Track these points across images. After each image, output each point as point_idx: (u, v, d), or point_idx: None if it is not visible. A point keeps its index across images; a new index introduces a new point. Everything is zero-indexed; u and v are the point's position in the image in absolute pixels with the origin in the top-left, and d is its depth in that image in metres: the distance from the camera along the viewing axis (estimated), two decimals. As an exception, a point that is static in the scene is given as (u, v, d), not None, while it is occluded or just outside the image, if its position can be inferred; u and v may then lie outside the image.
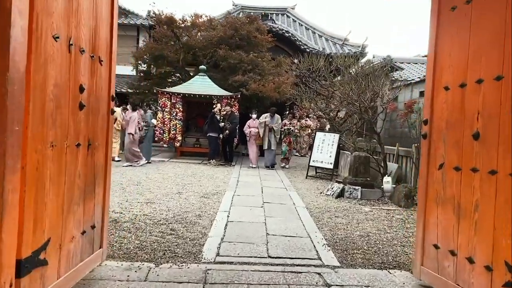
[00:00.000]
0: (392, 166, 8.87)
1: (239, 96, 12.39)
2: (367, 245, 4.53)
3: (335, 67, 11.29)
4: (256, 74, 13.45)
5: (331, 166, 10.03)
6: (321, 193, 8.08)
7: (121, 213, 5.24)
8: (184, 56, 14.30)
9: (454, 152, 3.02)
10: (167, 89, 12.47)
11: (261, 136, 11.16)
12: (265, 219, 5.42)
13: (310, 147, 11.97)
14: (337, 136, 10.18)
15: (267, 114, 11.25)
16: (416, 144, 8.21)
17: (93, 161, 2.87)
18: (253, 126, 11.37)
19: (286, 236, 4.69)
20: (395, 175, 8.65)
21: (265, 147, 11.22)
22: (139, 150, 10.47)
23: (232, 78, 13.38)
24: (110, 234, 4.28)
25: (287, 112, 20.72)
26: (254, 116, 11.52)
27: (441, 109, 3.21)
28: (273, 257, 3.91)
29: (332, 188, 7.92)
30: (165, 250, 3.95)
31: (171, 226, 4.79)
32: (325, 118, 11.78)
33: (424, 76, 10.41)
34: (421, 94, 9.87)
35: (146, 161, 10.80)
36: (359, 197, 7.48)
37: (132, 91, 15.49)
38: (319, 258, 3.96)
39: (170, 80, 15.41)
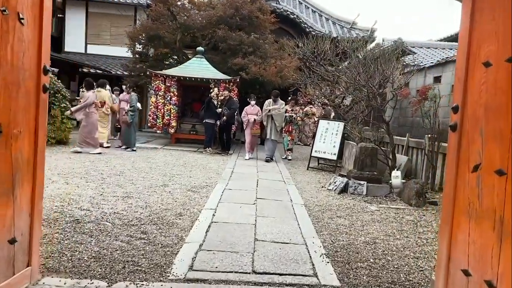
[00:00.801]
0: (402, 158, 8.10)
1: (238, 80, 11.58)
2: (373, 256, 3.79)
3: (342, 50, 10.43)
4: (257, 57, 12.60)
5: (334, 157, 9.26)
6: (322, 187, 7.34)
7: (88, 210, 4.53)
8: (181, 37, 13.46)
9: (496, 148, 2.25)
10: (161, 72, 11.68)
11: (265, 125, 10.18)
12: (255, 220, 4.70)
13: (314, 136, 11.20)
14: (341, 124, 9.39)
15: (270, 100, 10.07)
16: (429, 135, 7.41)
17: (9, 154, 2.14)
18: (251, 113, 10.23)
19: (277, 242, 3.96)
20: (405, 168, 7.88)
21: (266, 136, 10.25)
22: (95, 137, 9.17)
23: (232, 61, 12.55)
24: (65, 239, 3.57)
25: (289, 98, 19.90)
26: (252, 102, 10.37)
27: (479, 91, 2.43)
28: (258, 273, 3.18)
29: (334, 182, 7.17)
30: (127, 261, 3.23)
31: (143, 228, 4.08)
32: (330, 105, 10.97)
33: (440, 60, 9.53)
34: (436, 79, 9.01)
35: (131, 149, 10.06)
36: (364, 193, 6.73)
37: (127, 73, 14.71)
38: (315, 275, 3.23)
39: (167, 62, 14.59)
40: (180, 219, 4.54)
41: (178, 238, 3.89)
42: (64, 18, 18.01)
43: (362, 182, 6.81)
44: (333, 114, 12.67)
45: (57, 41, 18.07)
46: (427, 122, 7.30)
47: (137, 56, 14.43)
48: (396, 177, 6.91)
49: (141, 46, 14.19)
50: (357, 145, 7.17)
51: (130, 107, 9.62)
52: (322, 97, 11.15)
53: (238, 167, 8.74)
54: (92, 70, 16.50)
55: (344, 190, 6.86)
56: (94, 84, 10.10)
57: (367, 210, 5.76)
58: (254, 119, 10.23)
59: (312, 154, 9.60)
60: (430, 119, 7.22)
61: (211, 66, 12.35)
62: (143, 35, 13.48)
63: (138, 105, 9.79)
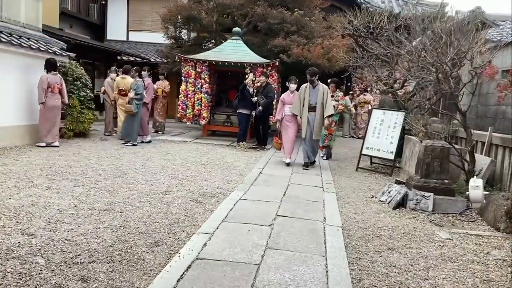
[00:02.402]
0: (482, 160, 6.12)
1: (277, 63, 10.02)
2: None
3: (403, 23, 8.46)
4: (301, 37, 10.94)
5: (391, 156, 7.44)
6: (372, 197, 5.65)
7: (32, 235, 3.32)
8: (218, 18, 12.13)
9: None
10: (191, 56, 10.45)
11: (299, 120, 7.45)
12: (262, 256, 3.22)
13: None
14: (401, 115, 7.53)
15: (306, 85, 7.34)
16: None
17: None
18: (289, 102, 7.69)
19: (284, 306, 2.47)
20: (487, 174, 5.91)
21: (303, 135, 7.42)
22: (46, 129, 7.62)
23: (272, 43, 11.00)
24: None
25: (329, 81, 18.10)
26: (292, 86, 7.80)
27: None
28: None
29: (389, 192, 5.45)
30: None
31: (87, 270, 2.77)
32: (387, 91, 9.05)
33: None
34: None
35: (131, 143, 8.54)
36: (430, 209, 4.96)
37: (161, 60, 13.75)
38: None
39: (205, 47, 13.38)
40: (153, 252, 3.19)
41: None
42: (106, 5, 17.50)
43: (427, 194, 5.03)
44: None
45: (100, 29, 17.66)
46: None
47: (173, 41, 13.37)
48: (476, 188, 5.02)
49: (176, 29, 13.09)
50: (421, 143, 5.36)
51: (136, 94, 8.36)
52: (378, 81, 9.23)
53: (269, 167, 7.26)
54: (131, 58, 15.80)
55: (401, 203, 5.13)
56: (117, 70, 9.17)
57: (434, 238, 4.03)
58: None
59: (363, 152, 7.85)
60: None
61: (249, 49, 10.90)
62: (178, 17, 12.33)
63: (144, 92, 8.57)
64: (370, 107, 14.06)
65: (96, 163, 6.46)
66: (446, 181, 5.23)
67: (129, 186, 5.19)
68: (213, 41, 13.40)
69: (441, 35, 5.86)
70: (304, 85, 7.41)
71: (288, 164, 7.53)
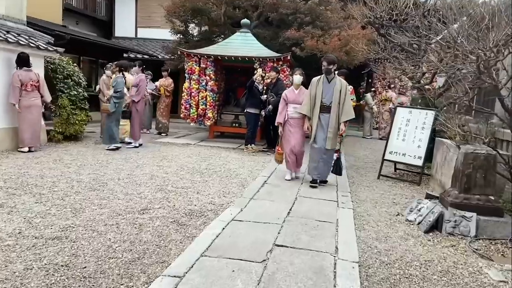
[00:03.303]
0: (535, 169, 4.98)
1: (289, 57, 9.04)
2: None
3: (433, 8, 7.33)
4: (316, 28, 9.92)
5: (419, 163, 6.36)
6: (397, 215, 4.63)
7: None
8: (226, 10, 11.22)
9: None
10: (194, 51, 9.57)
11: (307, 124, 5.73)
12: (244, 316, 2.28)
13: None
14: (431, 114, 6.44)
15: (319, 78, 5.65)
16: None
17: None
18: (294, 101, 5.91)
19: None
20: (542, 186, 4.79)
21: (311, 141, 5.69)
22: (26, 132, 6.79)
23: (284, 35, 10.02)
24: None
25: (336, 73, 16.77)
26: (297, 79, 5.97)
27: None
28: None
29: (418, 209, 4.42)
30: None
31: None
32: (414, 86, 7.93)
33: None
34: None
35: (115, 147, 7.53)
36: (472, 233, 3.91)
37: (168, 56, 12.97)
38: None
39: (214, 42, 12.48)
40: (90, 310, 2.30)
41: None
42: (114, 1, 16.86)
43: (468, 214, 3.98)
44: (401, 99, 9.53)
45: (107, 26, 17.04)
46: None
47: (179, 36, 12.54)
48: (532, 206, 3.95)
49: (183, 24, 12.25)
50: (460, 151, 4.29)
51: (115, 92, 7.37)
52: (403, 76, 8.12)
53: (277, 175, 6.29)
54: (138, 55, 15.09)
55: (435, 226, 4.09)
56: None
57: (482, 280, 3.01)
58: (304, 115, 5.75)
59: (386, 157, 6.79)
60: None
61: (258, 43, 9.95)
62: (183, 10, 11.48)
63: (125, 90, 7.63)
64: (392, 105, 12.89)
65: (75, 172, 5.64)
66: (492, 197, 4.15)
67: (102, 203, 4.33)
68: (222, 35, 12.51)
69: (483, 16, 4.75)
70: (316, 78, 5.69)
71: (288, 180, 5.93)
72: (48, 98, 7.13)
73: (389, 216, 4.60)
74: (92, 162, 6.36)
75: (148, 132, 10.55)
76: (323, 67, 5.59)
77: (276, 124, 6.26)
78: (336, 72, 6.18)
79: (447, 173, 5.59)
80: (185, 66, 9.53)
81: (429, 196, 4.67)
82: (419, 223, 4.23)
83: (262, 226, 3.86)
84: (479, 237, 3.90)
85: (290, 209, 4.51)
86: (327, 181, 5.86)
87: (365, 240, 3.73)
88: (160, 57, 14.94)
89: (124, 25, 16.81)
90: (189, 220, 3.95)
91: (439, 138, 6.29)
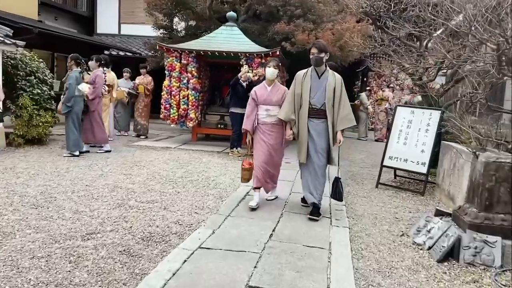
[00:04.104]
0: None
1: (278, 52, 8.25)
2: None
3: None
4: (308, 22, 9.14)
5: (423, 170, 5.60)
6: (402, 235, 3.86)
7: None
8: (211, 3, 10.40)
9: None
10: (174, 45, 8.76)
11: (287, 130, 4.38)
12: None
13: (389, 130, 7.21)
14: (436, 114, 5.68)
15: (304, 72, 4.26)
16: None
17: None
18: (266, 101, 4.44)
19: None
20: None
21: (301, 158, 4.25)
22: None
23: (273, 29, 9.24)
24: None
25: (358, 82, 15.73)
26: (270, 72, 4.44)
27: None
28: None
29: (428, 230, 3.65)
30: None
31: None
32: (415, 83, 7.17)
33: None
34: None
35: (70, 153, 6.58)
36: (497, 263, 3.14)
37: (151, 53, 12.13)
38: None
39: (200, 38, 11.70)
40: None
41: None
42: (96, -4, 16.00)
43: (491, 239, 3.21)
44: (418, 98, 8.81)
45: (89, 22, 16.15)
46: None
47: (162, 31, 11.71)
48: None
49: (165, 18, 11.42)
50: (480, 160, 3.52)
51: (65, 90, 6.46)
52: (402, 72, 7.36)
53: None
54: (121, 53, 14.24)
55: (450, 253, 3.32)
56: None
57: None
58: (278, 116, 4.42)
59: (385, 163, 6.01)
60: None
61: (245, 37, 9.15)
62: (165, 2, 10.64)
63: (82, 87, 6.53)
64: (388, 105, 12.16)
65: (23, 183, 4.81)
66: (518, 216, 3.39)
67: (40, 224, 3.51)
68: (208, 31, 11.67)
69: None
70: (302, 71, 4.28)
71: (253, 209, 4.30)
72: (1, 96, 6.28)
73: (392, 236, 3.83)
74: (49, 171, 5.52)
75: (126, 134, 9.71)
76: (311, 56, 4.13)
77: (242, 131, 4.93)
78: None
79: (456, 183, 4.84)
80: (165, 63, 8.71)
81: (439, 213, 3.90)
82: (429, 247, 3.46)
83: (236, 256, 3.07)
84: (505, 267, 3.13)
85: (273, 230, 3.72)
86: (320, 205, 4.22)
87: (365, 274, 2.96)
88: (143, 54, 14.09)
89: (107, 21, 15.92)
90: (144, 248, 3.15)
91: (446, 142, 5.54)
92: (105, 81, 7.46)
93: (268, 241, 3.43)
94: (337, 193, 4.33)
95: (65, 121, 6.60)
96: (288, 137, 4.39)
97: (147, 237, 3.38)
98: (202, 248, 3.17)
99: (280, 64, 5.09)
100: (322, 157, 4.21)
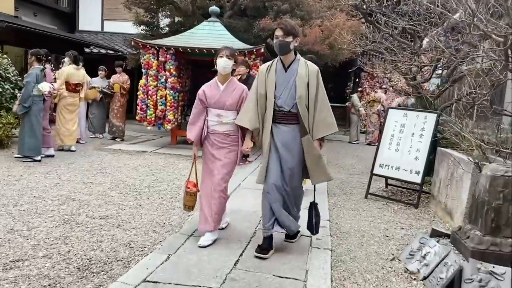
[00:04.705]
0: None
1: (262, 50, 7.70)
2: None
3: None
4: (295, 18, 8.60)
5: (417, 179, 5.04)
6: (393, 259, 3.30)
7: None
8: (195, -1, 9.85)
9: None
10: (151, 42, 8.16)
11: (248, 143, 3.36)
12: None
13: (380, 133, 6.61)
14: (431, 117, 5.14)
15: (271, 63, 3.24)
16: None
17: None
18: (217, 103, 3.36)
19: None
20: None
21: (263, 176, 3.23)
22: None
23: (258, 25, 8.69)
24: None
25: (350, 83, 15.24)
26: (222, 64, 3.34)
27: None
28: None
29: (422, 255, 3.09)
30: None
31: None
32: (409, 83, 6.64)
33: None
34: None
35: (23, 158, 5.95)
36: (507, 300, 2.59)
37: (131, 51, 11.54)
38: None
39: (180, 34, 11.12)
40: None
41: None
42: (78, -9, 15.35)
43: (499, 270, 2.65)
44: (412, 100, 8.28)
45: (71, 18, 15.48)
46: None
47: (143, 27, 11.12)
48: None
49: (146, 13, 10.83)
50: (484, 173, 2.96)
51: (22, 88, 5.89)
52: (394, 71, 6.82)
53: (241, 193, 4.91)
54: (102, 50, 13.61)
55: (450, 287, 2.76)
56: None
57: None
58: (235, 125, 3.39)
59: (376, 171, 5.46)
60: None
61: (229, 33, 8.60)
62: (146, -3, 10.07)
63: (42, 86, 5.86)
64: (381, 107, 11.63)
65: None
66: (530, 240, 2.85)
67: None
68: (192, 28, 11.12)
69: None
70: (266, 64, 3.32)
71: (205, 247, 3.25)
72: None
73: (381, 261, 3.27)
74: (-1, 179, 4.91)
75: (101, 137, 9.08)
76: (275, 41, 3.14)
77: (188, 141, 3.53)
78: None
79: (454, 195, 4.30)
80: (141, 60, 8.12)
81: (436, 234, 3.35)
82: (425, 278, 2.91)
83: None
84: (516, 305, 2.58)
85: (240, 255, 3.15)
86: (299, 231, 3.49)
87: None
88: (125, 52, 13.46)
89: (89, 18, 15.27)
90: (75, 282, 2.56)
91: (442, 149, 4.99)
92: (54, 79, 6.83)
93: (231, 270, 2.85)
94: (312, 224, 3.35)
95: (21, 123, 5.97)
96: (246, 150, 3.38)
97: (84, 266, 2.79)
98: (148, 282, 2.58)
99: (237, 53, 4.05)
100: (291, 179, 3.20)
